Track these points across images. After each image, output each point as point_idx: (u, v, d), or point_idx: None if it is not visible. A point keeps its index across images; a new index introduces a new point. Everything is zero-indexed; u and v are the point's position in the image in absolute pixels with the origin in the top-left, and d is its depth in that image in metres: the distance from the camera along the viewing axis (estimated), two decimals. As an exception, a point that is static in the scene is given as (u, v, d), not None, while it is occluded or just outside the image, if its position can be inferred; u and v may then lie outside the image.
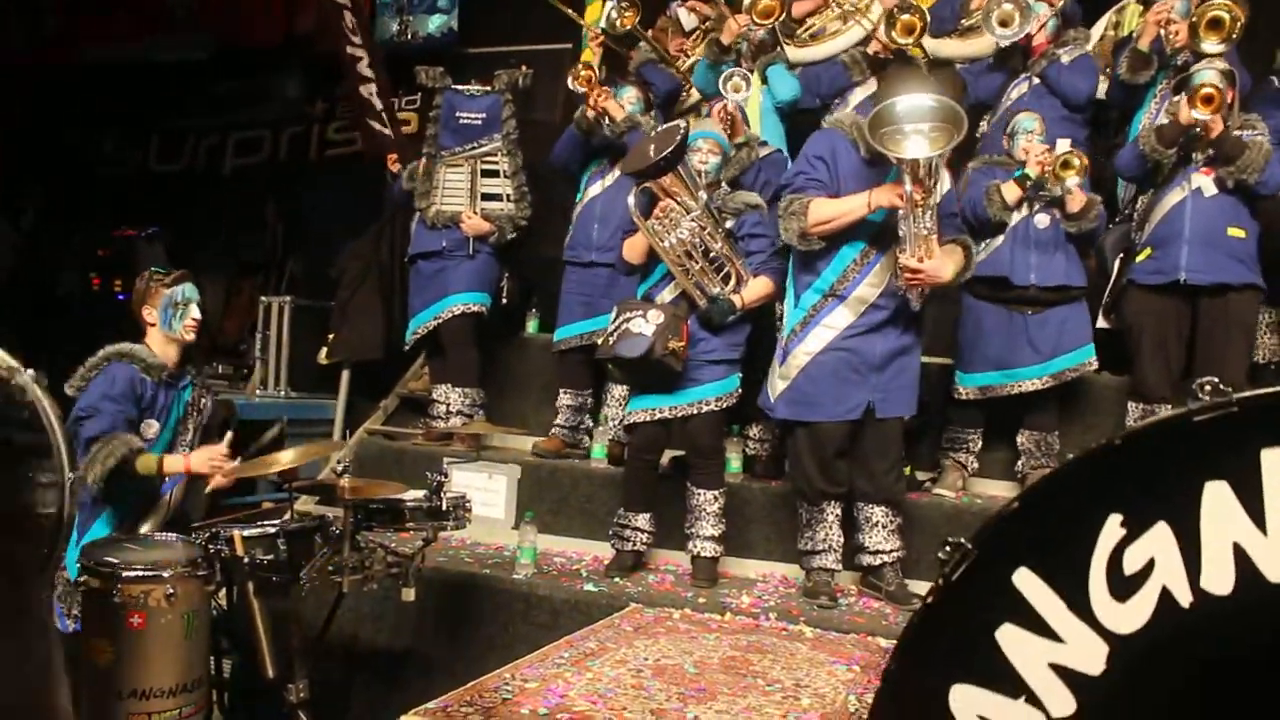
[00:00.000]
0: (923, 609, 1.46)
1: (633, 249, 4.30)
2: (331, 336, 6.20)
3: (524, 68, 5.69)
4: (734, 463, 4.80)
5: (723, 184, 4.41)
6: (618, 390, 5.02)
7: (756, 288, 4.21)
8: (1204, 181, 4.37)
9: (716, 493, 4.24)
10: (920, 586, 4.08)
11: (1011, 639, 1.36)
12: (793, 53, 5.44)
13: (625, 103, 5.06)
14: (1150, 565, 1.31)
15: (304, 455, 3.47)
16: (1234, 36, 4.37)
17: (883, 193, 3.73)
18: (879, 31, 4.96)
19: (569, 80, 5.29)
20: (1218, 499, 1.28)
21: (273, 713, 3.07)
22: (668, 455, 4.56)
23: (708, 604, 3.92)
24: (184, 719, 2.81)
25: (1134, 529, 1.32)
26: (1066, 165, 4.40)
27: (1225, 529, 1.28)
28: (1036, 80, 4.98)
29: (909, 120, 3.52)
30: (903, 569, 4.10)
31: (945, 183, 4.00)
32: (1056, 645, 1.34)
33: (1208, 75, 4.24)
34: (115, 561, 2.81)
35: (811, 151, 4.01)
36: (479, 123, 5.51)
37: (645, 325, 4.05)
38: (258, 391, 6.74)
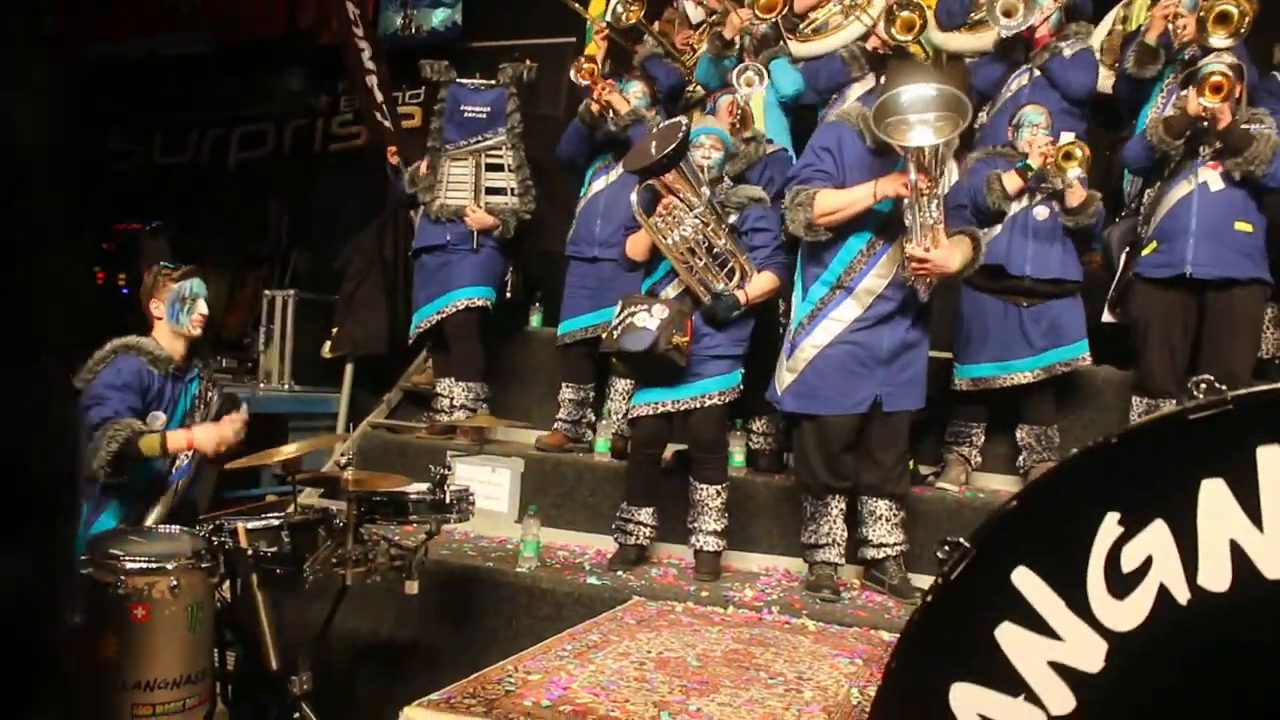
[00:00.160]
0: (922, 607, 1.46)
1: (636, 246, 4.29)
2: (335, 330, 6.20)
3: (528, 61, 5.68)
4: (737, 456, 4.81)
5: (726, 179, 4.40)
6: (621, 384, 5.02)
7: (761, 283, 4.21)
8: (1211, 175, 4.36)
9: (719, 487, 4.24)
10: (923, 580, 4.08)
11: (1011, 637, 1.36)
12: (796, 47, 5.44)
13: (631, 97, 5.06)
14: (1148, 563, 1.31)
15: (307, 448, 3.48)
16: (1242, 31, 4.36)
17: (888, 182, 3.73)
18: (878, 28, 4.95)
19: (572, 73, 5.29)
20: (1214, 496, 1.28)
21: (276, 704, 3.07)
22: (671, 449, 4.57)
23: (710, 597, 3.92)
24: (188, 710, 2.81)
25: (1131, 527, 1.32)
26: (1069, 156, 4.40)
27: (1222, 526, 1.28)
28: (1038, 73, 4.98)
29: (914, 110, 3.54)
30: (905, 563, 4.11)
31: (954, 174, 4.00)
32: (1055, 643, 1.34)
33: (1217, 65, 4.24)
34: (119, 553, 2.81)
35: (818, 143, 4.02)
36: (483, 116, 5.51)
37: (649, 320, 4.04)
38: (261, 386, 6.75)
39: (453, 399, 5.39)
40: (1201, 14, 4.43)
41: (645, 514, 4.30)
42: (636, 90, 5.12)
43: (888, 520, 4.05)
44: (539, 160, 5.65)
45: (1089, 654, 1.33)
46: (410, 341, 5.69)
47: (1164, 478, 1.32)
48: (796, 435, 4.14)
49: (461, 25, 7.47)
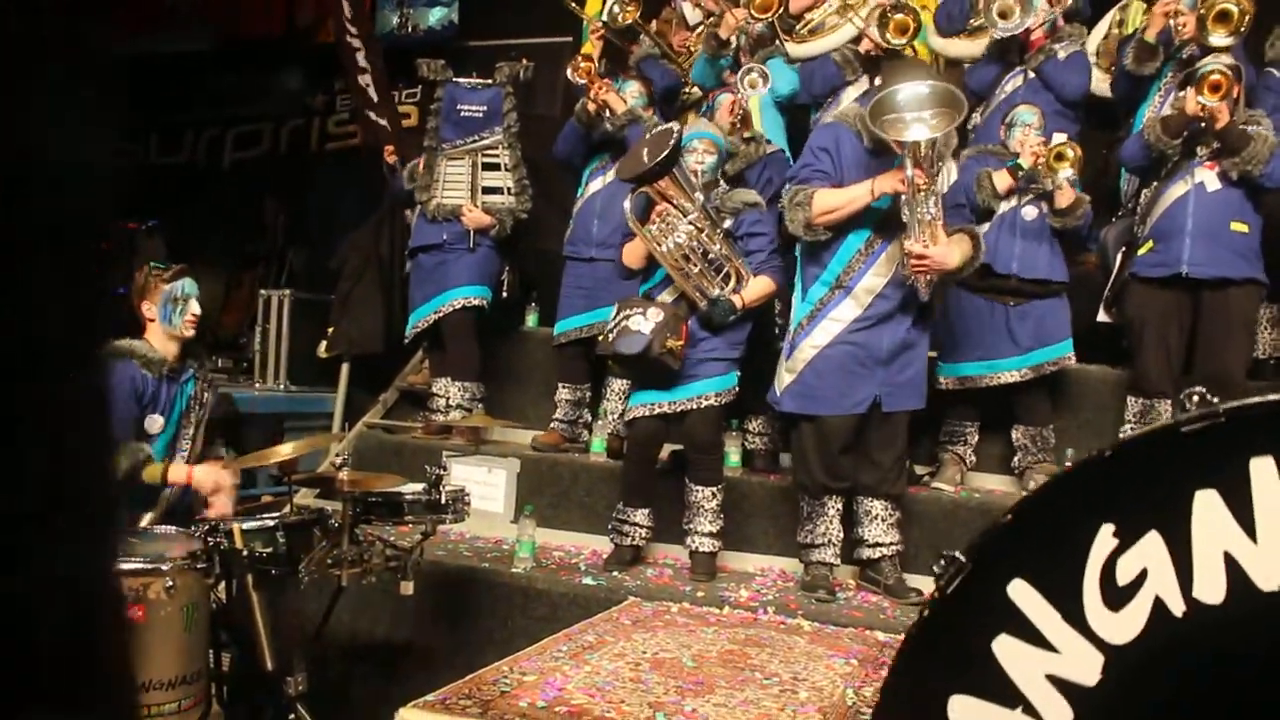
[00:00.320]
0: (919, 621, 1.47)
1: (632, 254, 4.29)
2: (331, 330, 6.20)
3: (525, 61, 5.68)
4: (733, 457, 4.81)
5: (721, 183, 4.40)
6: (617, 384, 5.02)
7: (757, 287, 4.21)
8: (1207, 176, 4.37)
9: (715, 489, 4.24)
10: (917, 581, 4.09)
11: (1008, 650, 1.37)
12: (793, 48, 5.44)
13: (628, 96, 5.06)
14: (1143, 575, 1.31)
15: (303, 448, 3.47)
16: (1242, 30, 4.37)
17: (886, 179, 3.74)
18: (870, 30, 4.95)
19: (569, 72, 5.28)
20: (1208, 508, 1.28)
21: (272, 705, 3.07)
22: (667, 449, 4.57)
23: (706, 598, 3.92)
24: (183, 711, 2.81)
25: (1126, 539, 1.32)
26: (1061, 157, 4.41)
27: (1216, 538, 1.28)
28: (1031, 74, 4.99)
29: (910, 108, 3.56)
30: (900, 563, 4.11)
31: (953, 174, 4.01)
32: (1052, 656, 1.35)
33: (1215, 64, 4.25)
34: (114, 554, 2.81)
35: (816, 144, 4.03)
36: (480, 116, 5.51)
37: (644, 323, 4.05)
38: (257, 385, 6.74)
39: (449, 399, 5.38)
40: (1202, 12, 4.44)
41: (641, 515, 4.30)
42: (633, 90, 5.12)
43: (884, 520, 4.05)
44: (535, 160, 5.65)
45: (1085, 666, 1.34)
46: (406, 341, 5.69)
47: (1158, 490, 1.33)
48: (795, 436, 4.14)
49: (458, 24, 7.47)
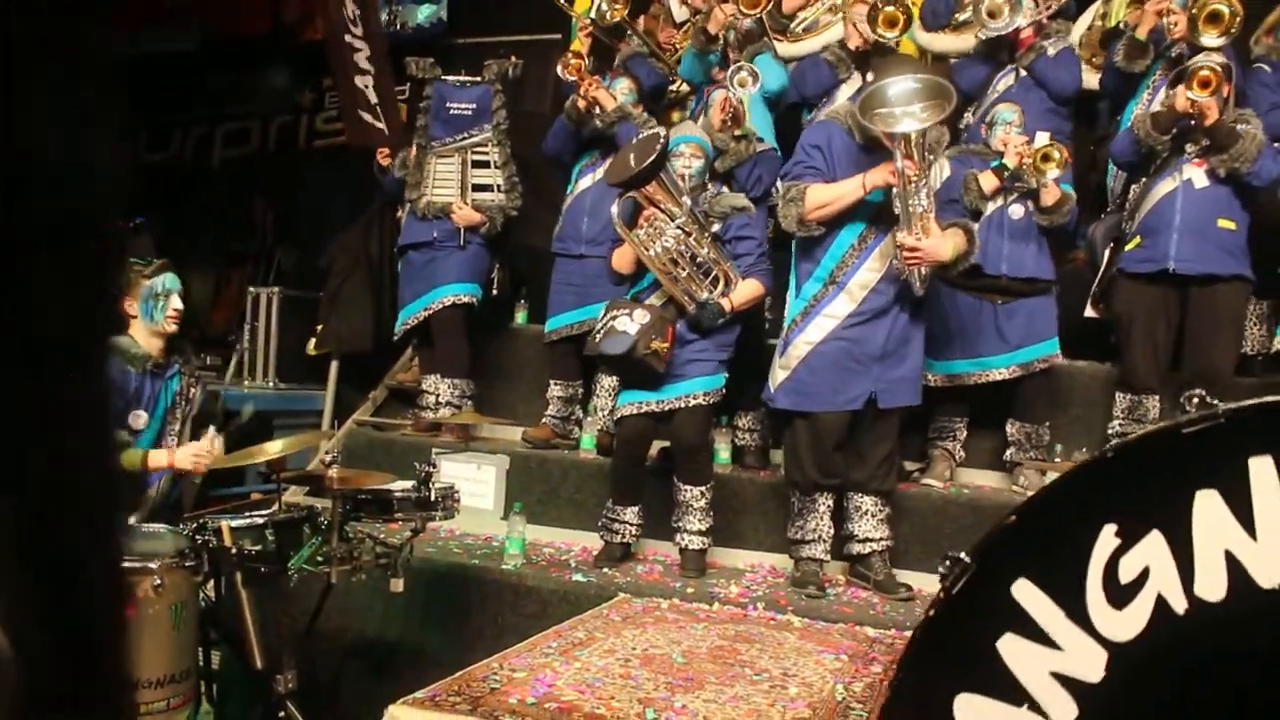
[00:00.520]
0: (925, 622, 1.47)
1: (622, 259, 4.29)
2: (320, 327, 6.19)
3: (514, 58, 5.67)
4: (723, 453, 4.81)
5: (709, 186, 4.40)
6: (607, 381, 5.02)
7: (745, 290, 4.21)
8: (1196, 173, 4.39)
9: (703, 488, 4.24)
10: (907, 576, 4.10)
11: (1013, 649, 1.38)
12: (788, 47, 5.45)
13: (618, 93, 5.06)
14: (1145, 573, 1.32)
15: (292, 445, 3.47)
16: (1233, 31, 4.39)
17: (877, 173, 3.76)
18: (860, 25, 4.95)
19: (559, 69, 5.28)
20: (1208, 507, 1.30)
21: (261, 703, 3.07)
22: (657, 446, 4.57)
23: (696, 594, 3.92)
24: (172, 709, 2.80)
25: (1128, 538, 1.33)
26: (1047, 158, 4.42)
27: (1217, 536, 1.29)
28: (1023, 73, 5.00)
29: (900, 103, 3.58)
30: (890, 559, 4.12)
31: (946, 170, 4.03)
32: (1057, 654, 1.36)
33: (1205, 61, 4.27)
34: (102, 552, 2.80)
35: (807, 141, 4.05)
36: (469, 113, 5.50)
37: (630, 324, 4.06)
38: (246, 384, 6.73)
39: (438, 396, 5.38)
40: (1193, 12, 4.46)
41: (630, 513, 4.30)
42: (623, 87, 5.12)
43: (873, 516, 4.06)
44: (525, 157, 5.64)
45: (1090, 664, 1.35)
46: (396, 338, 5.68)
47: (1159, 490, 1.34)
48: (788, 432, 4.14)
49: (447, 22, 7.45)
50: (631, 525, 4.30)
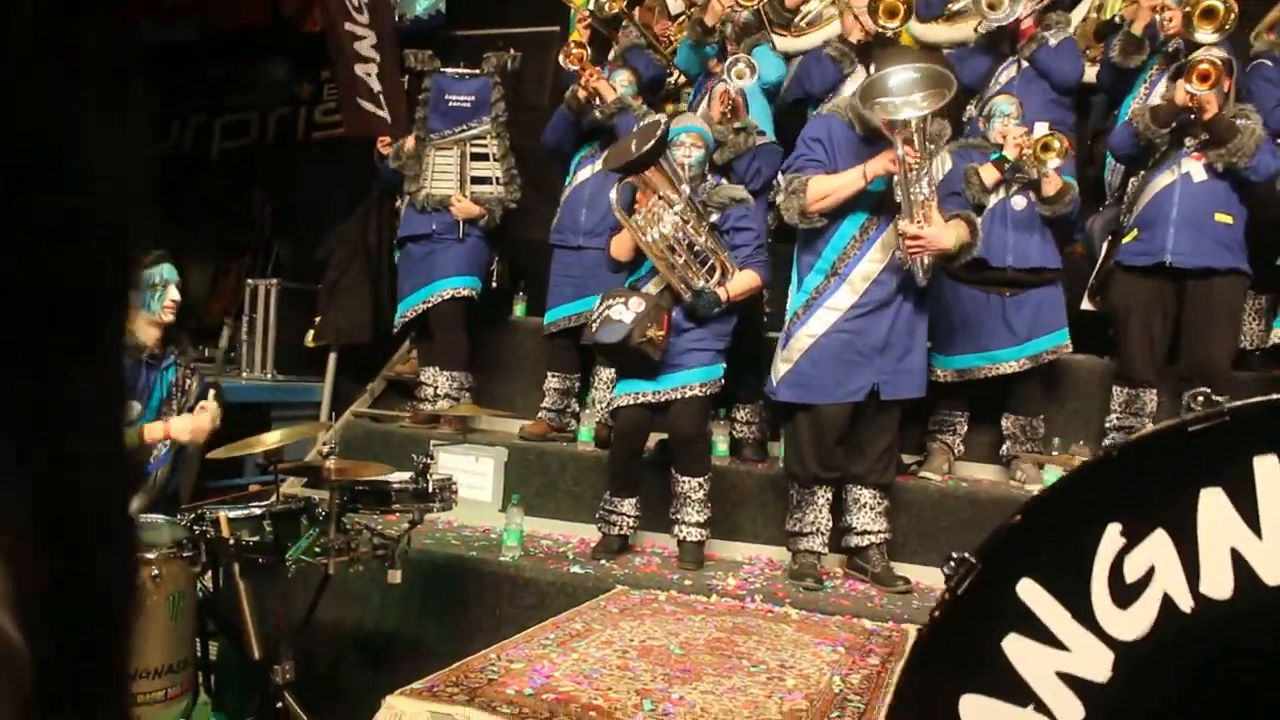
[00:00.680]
0: (930, 623, 1.48)
1: (620, 246, 4.29)
2: (318, 319, 6.18)
3: (512, 50, 5.66)
4: (721, 446, 4.81)
5: (708, 176, 4.40)
6: (605, 373, 5.02)
7: (742, 280, 4.21)
8: (1194, 166, 4.39)
9: (701, 480, 4.24)
10: (904, 569, 4.11)
11: (1018, 649, 1.38)
12: (791, 42, 5.44)
13: (618, 85, 5.05)
14: (1150, 572, 1.33)
15: (290, 437, 3.47)
16: (1227, 27, 4.39)
17: (877, 161, 3.76)
18: (862, 17, 4.95)
19: (561, 59, 5.27)
20: (1213, 505, 1.30)
21: (259, 694, 3.07)
22: (654, 438, 4.57)
23: (693, 586, 3.93)
24: (169, 700, 2.80)
25: (1133, 537, 1.34)
26: (1047, 148, 4.42)
27: (1222, 535, 1.29)
28: (1025, 64, 4.99)
29: (900, 92, 3.59)
30: (888, 551, 4.13)
31: (947, 163, 4.02)
32: (1062, 654, 1.36)
33: (1206, 55, 4.27)
34: (100, 543, 2.79)
35: (808, 134, 4.05)
36: (468, 105, 5.49)
37: (625, 313, 4.06)
38: (244, 375, 6.72)
39: (437, 388, 5.38)
40: (1188, 8, 4.45)
41: (628, 505, 4.30)
42: (623, 78, 5.11)
43: (872, 509, 4.06)
44: (523, 149, 5.63)
45: (1096, 664, 1.35)
46: (395, 330, 5.68)
47: (1163, 488, 1.34)
48: (790, 425, 4.15)
49: (445, 14, 7.43)
50: (629, 517, 4.30)
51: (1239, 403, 1.31)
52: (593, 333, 4.15)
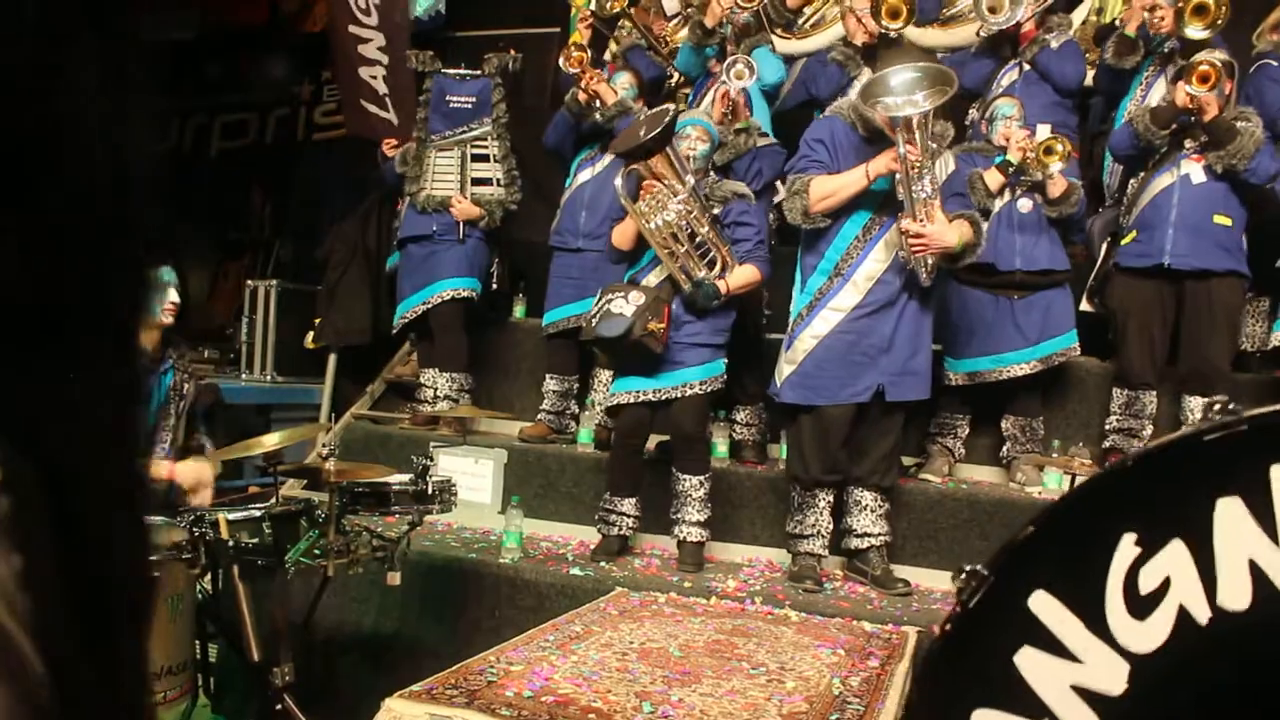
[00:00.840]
0: (940, 636, 1.46)
1: (622, 235, 4.29)
2: (318, 320, 6.18)
3: (513, 51, 5.65)
4: (720, 447, 4.81)
5: (711, 172, 4.41)
6: (604, 375, 5.02)
7: (741, 275, 4.21)
8: (1193, 168, 4.39)
9: (702, 478, 4.24)
10: (904, 571, 4.11)
11: (1031, 662, 1.36)
12: (794, 44, 5.44)
13: (619, 88, 5.05)
14: (1166, 583, 1.31)
15: (290, 439, 3.46)
16: (1219, 23, 4.38)
17: (879, 160, 3.77)
18: (865, 19, 4.95)
19: (561, 61, 5.27)
20: (1230, 515, 1.28)
21: (258, 696, 3.07)
22: (654, 440, 4.57)
23: (693, 588, 3.93)
24: (169, 702, 2.80)
25: (1148, 547, 1.32)
26: (1049, 151, 4.42)
27: (1239, 545, 1.28)
28: (1027, 67, 4.99)
29: (902, 92, 3.60)
30: (888, 554, 4.12)
31: (950, 164, 4.02)
32: (1076, 666, 1.34)
33: (1207, 56, 4.27)
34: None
35: (811, 136, 4.05)
36: (469, 107, 5.49)
37: (626, 306, 4.05)
38: (244, 377, 6.72)
39: (436, 390, 5.38)
40: (1179, 5, 4.45)
41: (628, 505, 4.30)
42: (625, 81, 5.11)
43: (873, 511, 4.06)
44: (524, 151, 5.63)
45: (1111, 676, 1.33)
46: (394, 332, 5.67)
47: (1180, 498, 1.33)
48: (793, 427, 4.14)
49: (445, 15, 7.42)
50: (629, 517, 4.30)
51: (1256, 411, 1.30)
52: (592, 327, 4.13)
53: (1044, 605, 1.36)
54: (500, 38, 6.31)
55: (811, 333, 3.97)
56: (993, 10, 4.93)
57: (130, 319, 0.49)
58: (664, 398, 4.18)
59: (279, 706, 3.03)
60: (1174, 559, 1.31)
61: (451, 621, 4.04)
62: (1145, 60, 4.89)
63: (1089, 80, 5.18)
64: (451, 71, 5.56)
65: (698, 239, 4.16)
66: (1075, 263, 4.96)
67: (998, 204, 4.55)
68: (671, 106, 4.25)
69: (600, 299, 4.19)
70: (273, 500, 3.22)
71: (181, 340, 3.83)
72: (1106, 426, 4.60)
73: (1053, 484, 4.37)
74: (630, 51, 5.46)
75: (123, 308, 0.49)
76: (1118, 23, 5.11)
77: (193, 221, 8.34)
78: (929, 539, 4.29)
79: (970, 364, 4.62)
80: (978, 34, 5.13)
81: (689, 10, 5.57)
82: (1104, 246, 4.86)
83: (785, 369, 4.05)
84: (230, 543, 2.97)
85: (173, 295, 3.61)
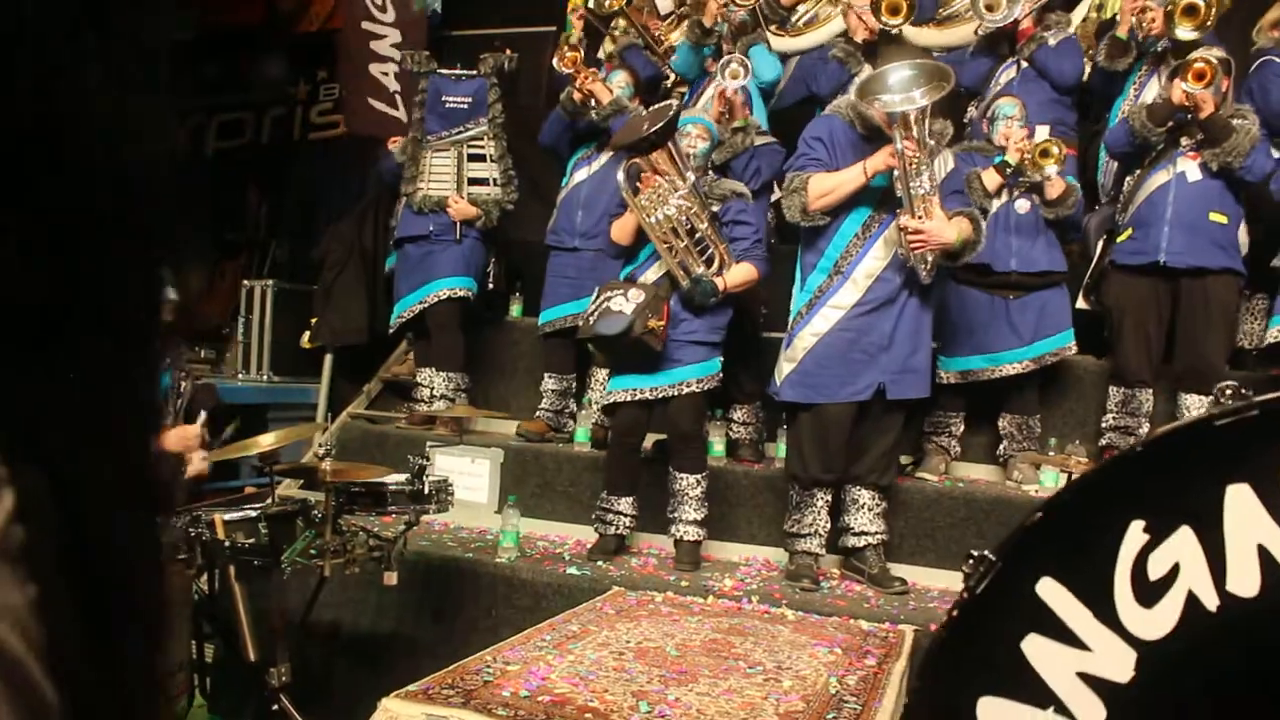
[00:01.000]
0: (947, 622, 1.45)
1: (622, 229, 4.29)
2: (314, 320, 6.17)
3: (509, 51, 5.64)
4: (717, 446, 4.81)
5: (710, 170, 4.41)
6: (601, 374, 5.02)
7: (739, 273, 4.21)
8: (1189, 166, 4.40)
9: (699, 477, 4.24)
10: (900, 570, 4.11)
11: (1038, 649, 1.36)
12: (788, 42, 5.43)
13: (614, 86, 5.05)
14: (1175, 570, 1.30)
15: (286, 438, 3.46)
16: (1209, 24, 4.39)
17: (878, 157, 3.77)
18: (865, 16, 4.95)
19: (555, 61, 5.26)
20: (1240, 501, 1.28)
21: (255, 696, 3.06)
22: (650, 439, 4.57)
23: (690, 587, 3.93)
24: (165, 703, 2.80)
25: (1157, 534, 1.31)
26: (1045, 154, 4.42)
27: (1249, 531, 1.27)
28: (1025, 64, 4.99)
29: (899, 89, 3.60)
30: (885, 552, 4.12)
31: (949, 162, 4.02)
32: (1084, 654, 1.34)
33: (1203, 54, 4.27)
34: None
35: (809, 134, 4.06)
36: (465, 107, 5.48)
37: (625, 304, 4.05)
38: (240, 377, 6.71)
39: (433, 389, 5.37)
40: (1169, 7, 4.46)
41: (625, 504, 4.30)
42: (620, 80, 5.11)
43: (870, 509, 4.06)
44: (520, 150, 5.62)
45: (1118, 664, 1.32)
46: (391, 332, 5.67)
47: (1189, 484, 1.32)
48: (793, 426, 4.14)
49: (441, 14, 7.41)
50: (626, 516, 4.29)
51: (1267, 397, 1.30)
52: (591, 325, 4.13)
53: (1052, 592, 1.35)
54: (495, 37, 6.30)
55: (811, 330, 3.97)
56: (990, 8, 4.93)
57: (146, 319, 0.49)
58: (661, 396, 4.18)
59: (275, 707, 3.03)
60: (1183, 545, 1.30)
61: (448, 621, 4.04)
62: (1138, 61, 4.89)
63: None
64: (447, 72, 5.55)
65: (697, 235, 4.16)
66: (1071, 261, 4.97)
67: (995, 204, 4.55)
68: (675, 102, 4.26)
69: (598, 297, 4.19)
70: (269, 500, 3.22)
71: (179, 339, 3.82)
72: (1103, 424, 4.61)
73: (1049, 482, 4.37)
74: (627, 51, 5.45)
75: (136, 308, 0.48)
76: (1118, 19, 5.10)
77: (188, 220, 8.30)
78: (926, 538, 4.30)
79: (963, 362, 4.63)
80: (975, 32, 5.13)
81: (684, 9, 5.57)
82: (1100, 244, 4.86)
83: (785, 367, 4.04)
84: (226, 543, 2.96)
85: (170, 294, 3.59)
